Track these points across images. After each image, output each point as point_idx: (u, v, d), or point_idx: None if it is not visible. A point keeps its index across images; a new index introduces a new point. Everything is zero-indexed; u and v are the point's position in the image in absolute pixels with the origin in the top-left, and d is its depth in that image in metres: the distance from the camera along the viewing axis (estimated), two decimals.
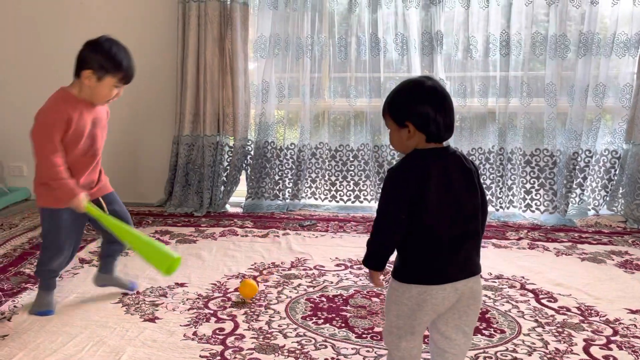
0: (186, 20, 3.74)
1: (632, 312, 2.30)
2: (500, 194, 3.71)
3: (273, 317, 2.24)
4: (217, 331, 2.12)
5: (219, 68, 3.79)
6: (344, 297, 2.44)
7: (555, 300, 2.41)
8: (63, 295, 2.42)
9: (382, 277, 1.54)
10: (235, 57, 3.75)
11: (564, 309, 2.32)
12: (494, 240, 3.21)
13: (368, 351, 1.98)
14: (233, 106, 3.81)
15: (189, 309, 2.31)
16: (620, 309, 2.32)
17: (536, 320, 2.22)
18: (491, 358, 1.93)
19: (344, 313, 2.29)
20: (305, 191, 3.96)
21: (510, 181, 3.71)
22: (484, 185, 3.63)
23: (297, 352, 1.96)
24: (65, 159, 2.09)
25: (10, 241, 3.15)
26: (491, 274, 2.68)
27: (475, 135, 3.72)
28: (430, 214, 1.41)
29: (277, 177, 3.91)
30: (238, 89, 3.79)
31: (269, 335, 2.08)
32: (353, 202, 3.92)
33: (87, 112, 2.14)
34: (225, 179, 3.92)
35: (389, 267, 1.52)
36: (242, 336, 2.08)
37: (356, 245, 3.11)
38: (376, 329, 2.14)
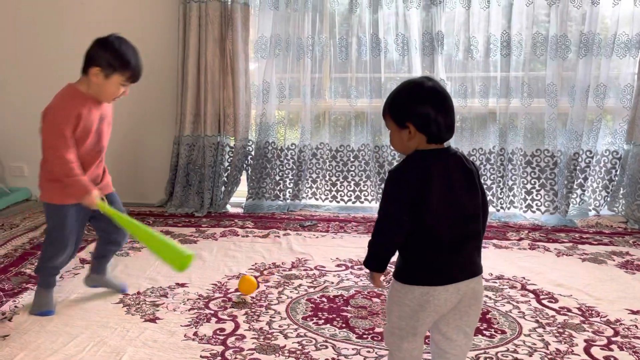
0: (187, 20, 3.74)
1: (633, 312, 2.30)
2: (501, 194, 3.71)
3: (274, 317, 2.24)
4: (218, 331, 2.12)
5: (219, 68, 3.79)
6: (345, 298, 2.44)
7: (556, 301, 2.41)
8: (64, 295, 2.43)
9: (382, 277, 1.54)
10: (236, 57, 3.75)
11: (565, 310, 2.32)
12: (494, 241, 3.21)
13: (369, 352, 1.98)
14: (234, 106, 3.81)
15: (189, 310, 2.31)
16: (621, 310, 2.32)
17: (537, 321, 2.22)
18: (492, 358, 1.93)
19: (344, 313, 2.29)
20: (306, 191, 3.96)
21: (511, 182, 3.71)
22: (485, 186, 3.63)
23: (298, 352, 1.96)
24: (77, 155, 2.10)
25: (11, 241, 3.16)
26: (492, 275, 2.68)
27: (476, 136, 3.72)
28: (431, 215, 1.41)
29: (277, 178, 3.91)
30: (239, 89, 3.79)
31: (269, 336, 2.08)
32: (354, 203, 3.91)
33: (95, 109, 2.15)
34: (225, 179, 3.92)
35: (390, 268, 1.52)
36: (243, 336, 2.08)
37: (357, 245, 3.11)
38: (377, 330, 2.14)
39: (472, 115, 3.71)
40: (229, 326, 2.16)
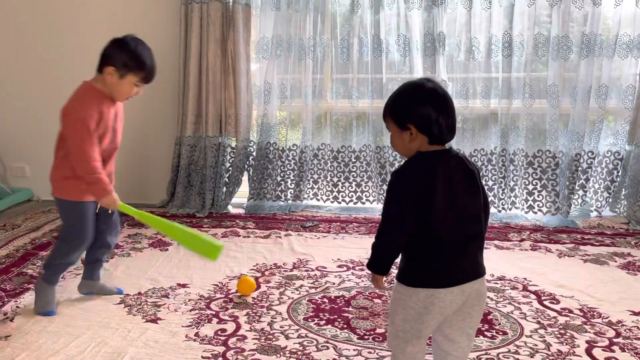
0: (188, 21, 3.74)
1: (635, 313, 2.29)
2: (502, 195, 3.71)
3: (275, 318, 2.24)
4: (219, 332, 2.12)
5: (221, 69, 3.79)
6: (346, 299, 2.44)
7: (558, 302, 2.41)
8: (65, 295, 2.43)
9: (385, 278, 1.54)
10: (238, 58, 3.75)
11: (567, 311, 2.32)
12: (496, 242, 3.21)
13: (370, 352, 1.98)
14: (235, 107, 3.81)
15: (190, 310, 2.31)
16: (623, 311, 2.31)
17: (538, 322, 2.22)
18: (493, 359, 1.94)
19: (346, 314, 2.29)
20: (307, 192, 3.96)
21: (512, 182, 3.70)
22: (486, 187, 3.63)
23: (299, 353, 1.96)
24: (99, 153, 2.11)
25: (12, 242, 3.16)
26: (493, 276, 2.68)
27: (477, 137, 3.72)
28: (434, 217, 1.40)
29: (279, 178, 3.91)
30: (240, 90, 3.79)
31: (270, 336, 2.08)
32: (355, 203, 3.91)
33: (111, 106, 2.17)
34: (227, 180, 3.92)
35: (392, 270, 1.52)
36: (244, 337, 2.08)
37: (358, 246, 3.10)
38: (378, 330, 2.14)
39: (473, 116, 3.71)
40: (230, 327, 2.17)
